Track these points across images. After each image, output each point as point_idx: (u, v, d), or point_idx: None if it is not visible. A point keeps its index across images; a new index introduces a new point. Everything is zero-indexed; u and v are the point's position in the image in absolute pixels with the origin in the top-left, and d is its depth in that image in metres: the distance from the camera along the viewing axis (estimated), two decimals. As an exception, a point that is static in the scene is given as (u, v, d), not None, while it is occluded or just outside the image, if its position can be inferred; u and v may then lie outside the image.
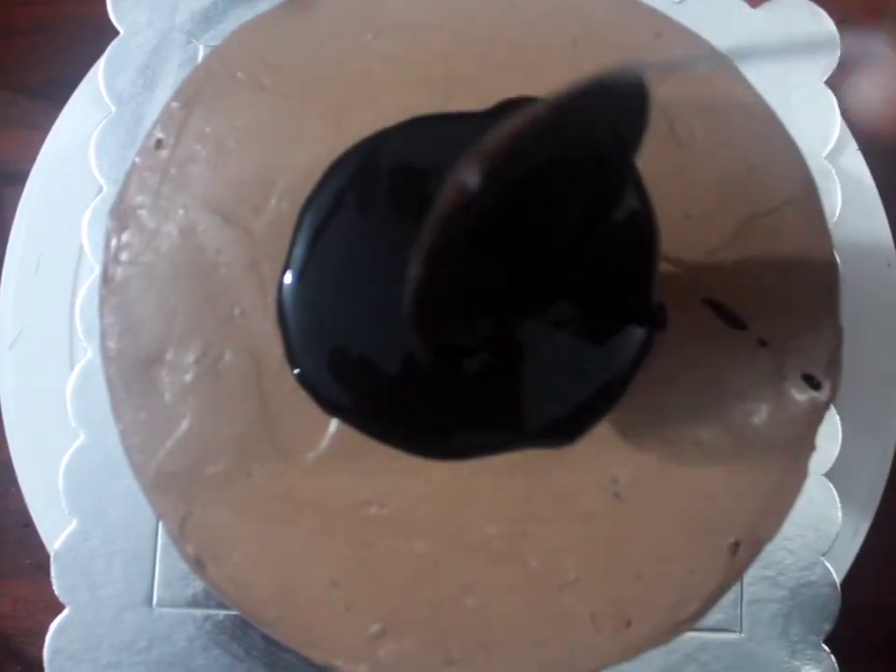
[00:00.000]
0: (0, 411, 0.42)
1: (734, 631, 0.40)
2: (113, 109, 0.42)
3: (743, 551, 0.34)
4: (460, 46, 0.36)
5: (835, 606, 0.40)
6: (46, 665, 0.40)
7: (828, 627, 0.40)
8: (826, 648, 0.40)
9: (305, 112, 0.35)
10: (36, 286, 0.43)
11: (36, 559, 0.43)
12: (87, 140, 0.42)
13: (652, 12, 0.37)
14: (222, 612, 0.40)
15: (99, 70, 0.42)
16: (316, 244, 0.34)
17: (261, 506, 0.33)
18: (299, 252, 0.34)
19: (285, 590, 0.33)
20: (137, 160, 0.35)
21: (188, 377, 0.33)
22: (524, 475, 0.33)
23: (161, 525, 0.40)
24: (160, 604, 0.40)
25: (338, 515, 0.33)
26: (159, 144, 0.35)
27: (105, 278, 0.34)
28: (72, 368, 0.42)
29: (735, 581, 0.34)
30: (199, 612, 0.40)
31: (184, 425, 0.33)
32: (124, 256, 0.34)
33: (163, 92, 0.42)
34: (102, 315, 0.34)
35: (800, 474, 0.34)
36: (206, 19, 0.43)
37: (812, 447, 0.34)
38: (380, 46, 0.36)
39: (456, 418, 0.33)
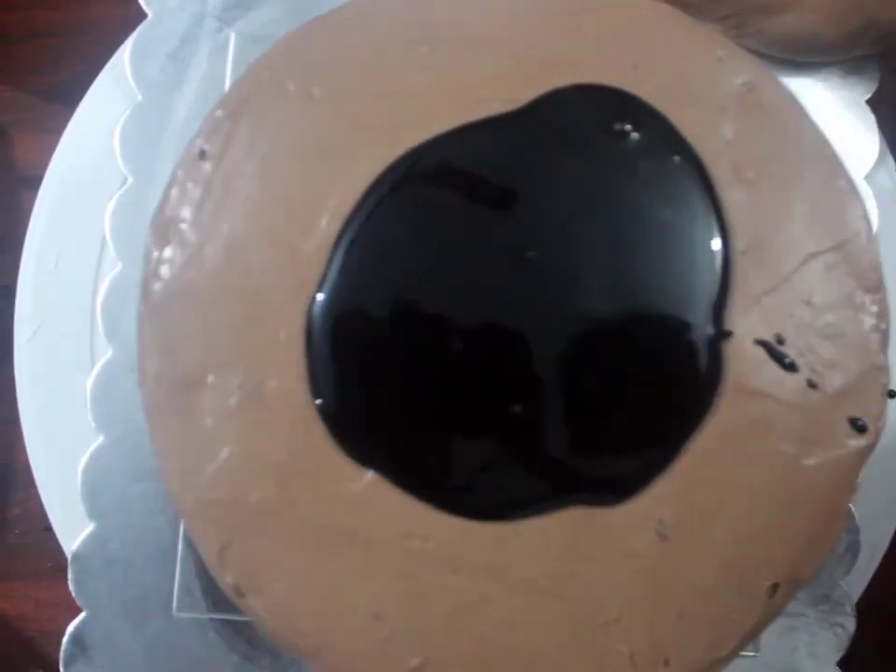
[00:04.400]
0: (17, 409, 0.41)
1: (749, 652, 0.40)
2: (139, 97, 0.40)
3: (781, 591, 0.34)
4: (519, 67, 0.34)
5: (851, 628, 0.41)
6: (62, 669, 0.39)
7: (843, 650, 0.41)
8: (841, 671, 0.41)
9: (357, 129, 0.34)
10: (56, 279, 0.41)
11: (58, 562, 0.43)
12: (110, 128, 0.40)
13: (714, 35, 0.36)
14: (242, 618, 0.40)
15: (125, 54, 0.40)
16: (350, 269, 0.33)
17: (304, 536, 0.32)
18: (331, 278, 0.33)
19: (325, 621, 0.32)
20: (179, 171, 0.34)
21: (231, 402, 0.32)
22: (570, 514, 0.33)
23: (182, 537, 0.39)
24: (179, 609, 0.40)
25: (382, 547, 0.32)
26: (202, 155, 0.33)
27: (145, 294, 0.33)
28: (92, 365, 0.40)
29: (772, 620, 0.34)
30: (219, 618, 0.40)
31: (226, 451, 0.32)
32: (165, 272, 0.33)
33: (194, 82, 0.40)
34: (140, 333, 0.33)
35: (841, 516, 0.34)
36: (239, 4, 0.41)
37: (854, 489, 0.35)
38: (436, 60, 0.34)
39: (500, 477, 0.33)
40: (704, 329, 0.34)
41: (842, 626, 0.41)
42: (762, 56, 0.41)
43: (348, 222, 0.33)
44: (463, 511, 0.32)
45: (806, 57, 0.43)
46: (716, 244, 0.34)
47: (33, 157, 0.44)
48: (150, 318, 0.33)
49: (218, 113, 0.34)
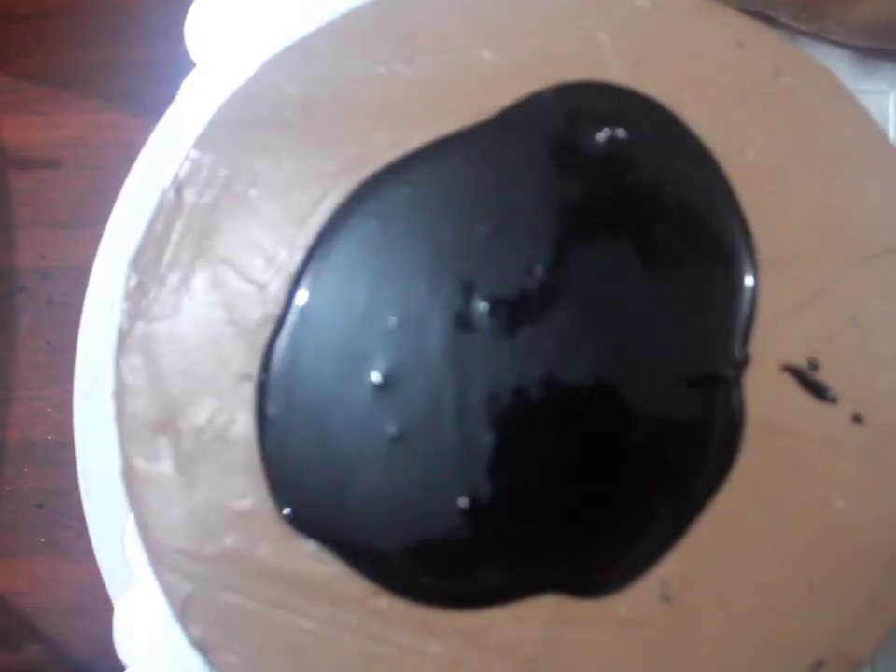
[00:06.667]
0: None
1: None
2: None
3: (828, 670, 0.28)
4: (502, 70, 0.31)
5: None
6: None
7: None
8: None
9: (326, 154, 0.32)
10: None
11: (51, 539, 0.43)
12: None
13: (734, 18, 0.31)
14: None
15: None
16: (305, 307, 0.31)
17: (268, 590, 0.30)
18: (288, 316, 0.31)
19: (290, 683, 0.30)
20: (159, 210, 0.33)
21: (195, 445, 0.31)
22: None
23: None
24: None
25: (348, 604, 0.29)
26: (178, 193, 0.33)
27: (121, 334, 0.32)
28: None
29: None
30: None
31: (188, 497, 0.31)
32: (142, 310, 0.32)
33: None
34: (117, 374, 0.32)
35: (907, 581, 0.28)
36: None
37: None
38: (413, 72, 0.32)
39: (466, 566, 0.29)
40: (721, 359, 0.29)
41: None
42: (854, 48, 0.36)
43: (309, 256, 0.31)
44: (423, 602, 0.29)
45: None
46: (738, 255, 0.29)
47: (21, 138, 0.44)
48: (127, 358, 0.32)
49: (195, 148, 0.33)
